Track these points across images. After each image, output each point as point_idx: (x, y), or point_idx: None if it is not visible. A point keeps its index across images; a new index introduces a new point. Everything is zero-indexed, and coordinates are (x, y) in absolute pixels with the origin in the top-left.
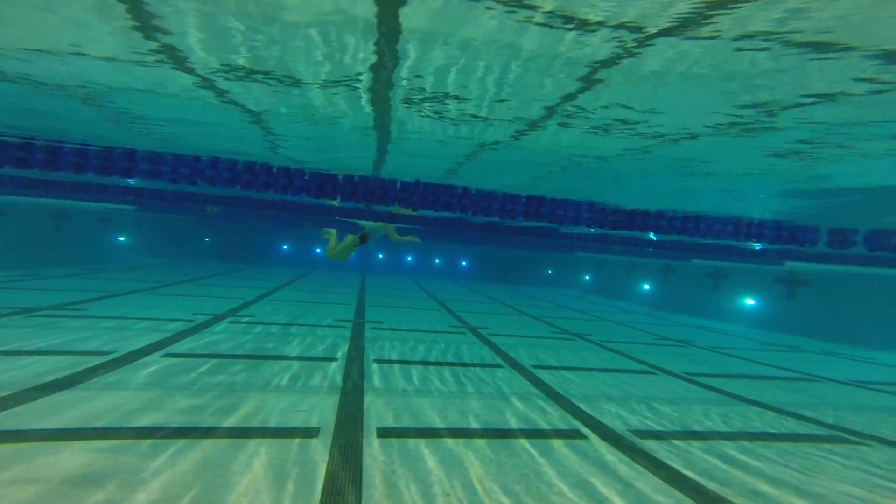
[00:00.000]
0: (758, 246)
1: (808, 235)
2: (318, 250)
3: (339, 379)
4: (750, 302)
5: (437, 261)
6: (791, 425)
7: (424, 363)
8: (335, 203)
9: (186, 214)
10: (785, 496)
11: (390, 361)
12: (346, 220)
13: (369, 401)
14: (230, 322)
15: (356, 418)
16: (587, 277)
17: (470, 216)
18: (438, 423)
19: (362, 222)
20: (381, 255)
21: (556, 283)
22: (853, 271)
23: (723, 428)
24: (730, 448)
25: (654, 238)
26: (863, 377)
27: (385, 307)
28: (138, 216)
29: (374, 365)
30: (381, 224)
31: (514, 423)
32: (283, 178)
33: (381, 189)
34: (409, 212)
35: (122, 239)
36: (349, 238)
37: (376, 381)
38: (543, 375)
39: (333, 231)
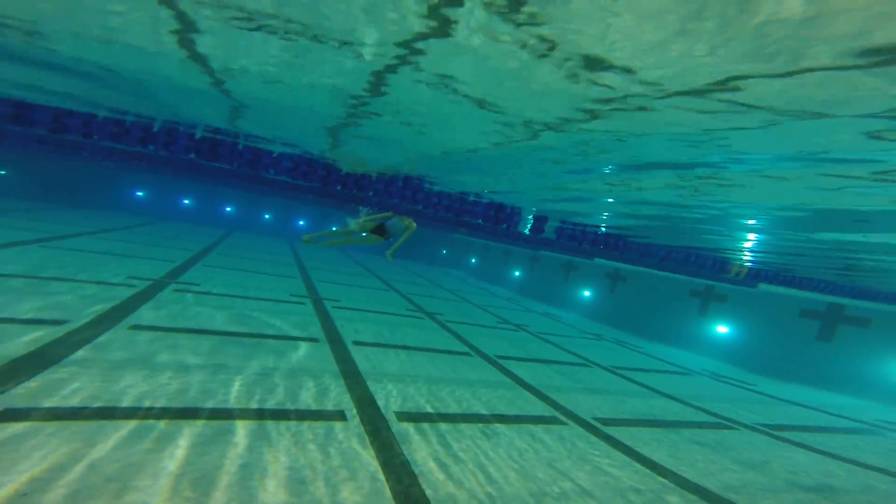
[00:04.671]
0: (480, 221)
1: (513, 216)
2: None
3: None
4: (587, 293)
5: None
6: (537, 408)
7: (219, 333)
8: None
9: None
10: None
11: (152, 328)
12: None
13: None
14: None
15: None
16: (473, 260)
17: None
18: (207, 405)
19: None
20: (267, 216)
21: (448, 263)
22: (654, 273)
23: (482, 410)
24: (474, 427)
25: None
26: (621, 364)
27: (228, 269)
28: None
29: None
30: (399, 217)
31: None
32: None
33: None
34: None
35: None
36: (369, 236)
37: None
38: (357, 353)
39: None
